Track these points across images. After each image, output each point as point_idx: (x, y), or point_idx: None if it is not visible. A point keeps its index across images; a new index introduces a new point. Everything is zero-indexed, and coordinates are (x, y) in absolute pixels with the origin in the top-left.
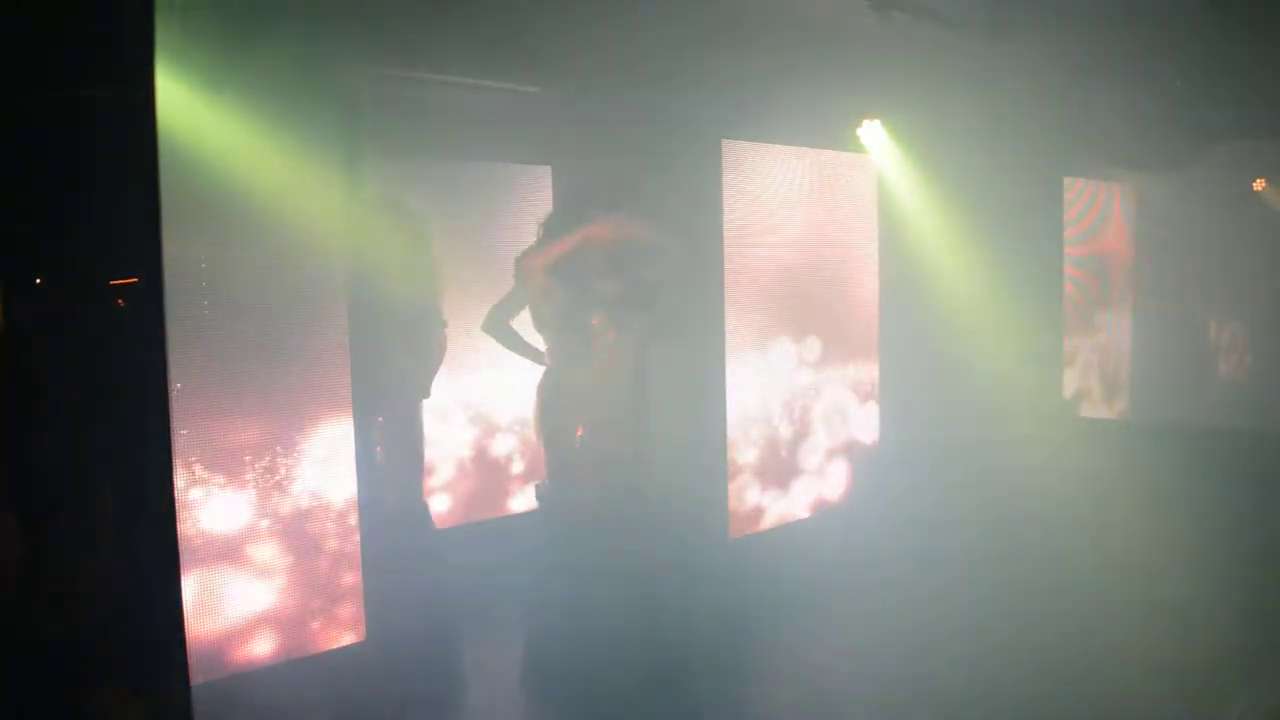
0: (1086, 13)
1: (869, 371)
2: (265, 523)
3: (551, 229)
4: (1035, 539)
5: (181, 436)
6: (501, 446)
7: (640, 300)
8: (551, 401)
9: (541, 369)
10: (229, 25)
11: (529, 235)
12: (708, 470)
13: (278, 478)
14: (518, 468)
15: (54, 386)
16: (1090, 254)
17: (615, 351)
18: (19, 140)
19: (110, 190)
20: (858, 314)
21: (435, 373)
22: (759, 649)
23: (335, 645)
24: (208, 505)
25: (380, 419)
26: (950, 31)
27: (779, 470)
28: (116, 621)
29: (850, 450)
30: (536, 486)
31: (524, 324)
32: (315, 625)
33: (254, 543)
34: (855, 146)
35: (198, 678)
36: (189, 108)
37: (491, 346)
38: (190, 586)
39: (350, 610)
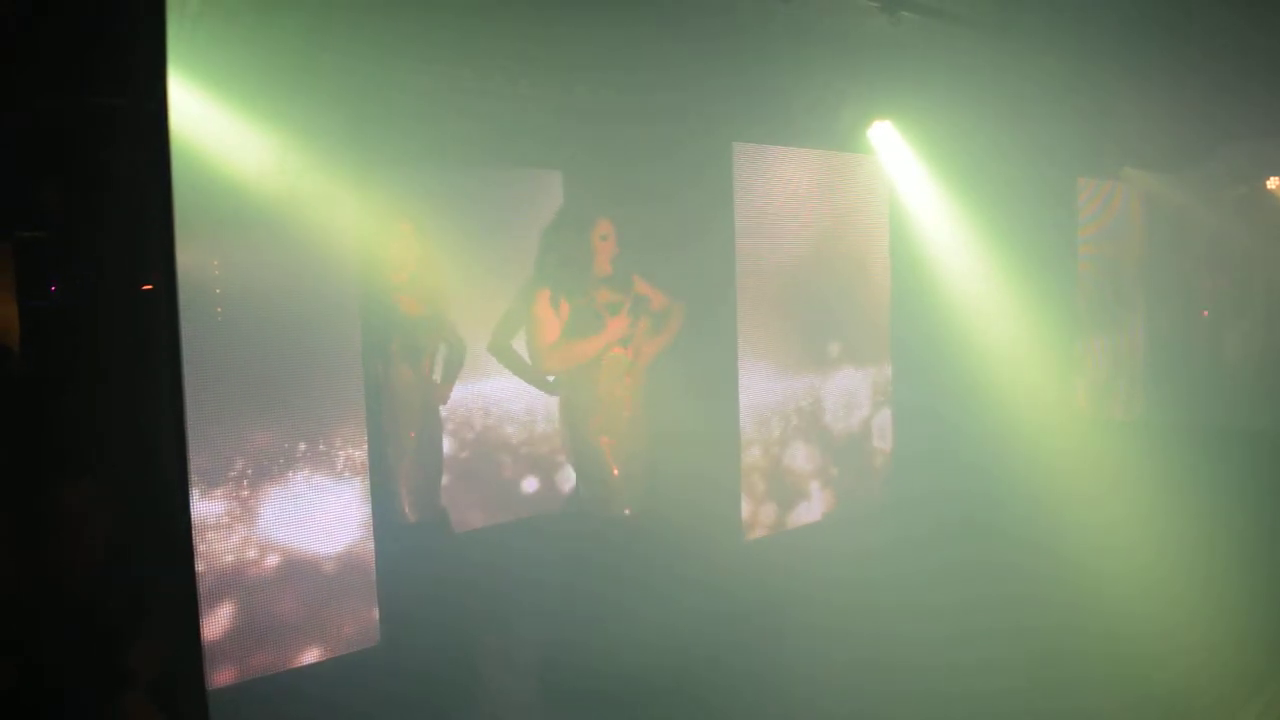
0: (1097, 11)
1: (882, 373)
2: (280, 527)
3: (558, 236)
4: (1048, 540)
5: (197, 442)
6: (518, 450)
7: (646, 309)
8: (574, 419)
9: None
10: (241, 34)
11: (536, 240)
12: (722, 473)
13: (293, 482)
14: (534, 471)
15: (69, 392)
16: (1103, 254)
17: (625, 362)
18: (34, 148)
19: (124, 197)
20: (870, 316)
21: (454, 379)
22: (771, 651)
23: (351, 650)
24: (223, 510)
25: (398, 426)
26: (960, 31)
27: (792, 473)
28: (132, 627)
29: (863, 452)
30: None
31: None
32: (330, 629)
33: (270, 547)
34: (866, 148)
35: (214, 683)
36: (202, 116)
37: None
38: (206, 591)
39: (366, 614)
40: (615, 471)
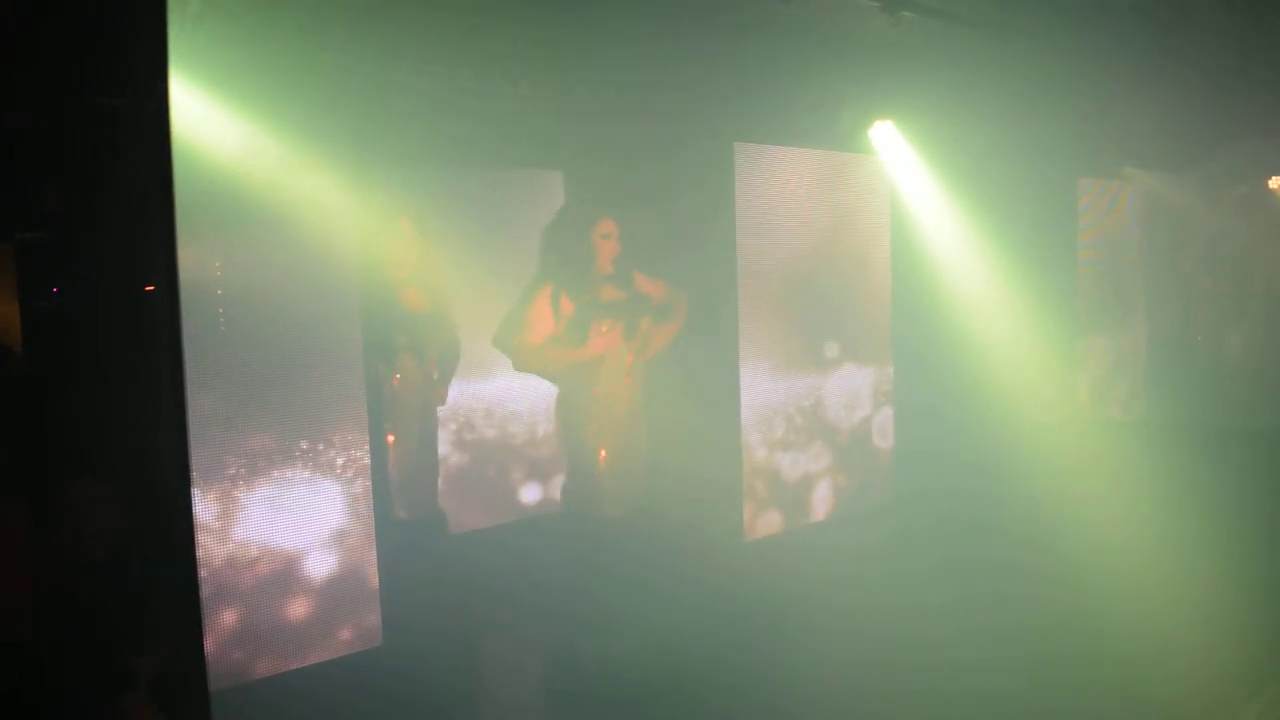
0: (1097, 12)
1: (883, 372)
2: (281, 527)
3: (558, 235)
4: (1049, 539)
5: (198, 442)
6: (517, 451)
7: (649, 306)
8: (569, 418)
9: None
10: (242, 34)
11: (537, 241)
12: (723, 473)
13: (293, 482)
14: (535, 472)
15: (70, 392)
16: (1104, 254)
17: (626, 357)
18: (35, 149)
19: (126, 198)
20: (871, 315)
21: (450, 379)
22: (772, 650)
23: (352, 651)
24: (224, 510)
25: (396, 426)
26: (961, 31)
27: (794, 472)
28: (133, 627)
29: (865, 451)
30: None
31: None
32: (332, 630)
33: (271, 548)
34: (867, 148)
35: (216, 684)
36: (203, 116)
37: None
38: (207, 592)
39: (366, 615)
40: (607, 473)
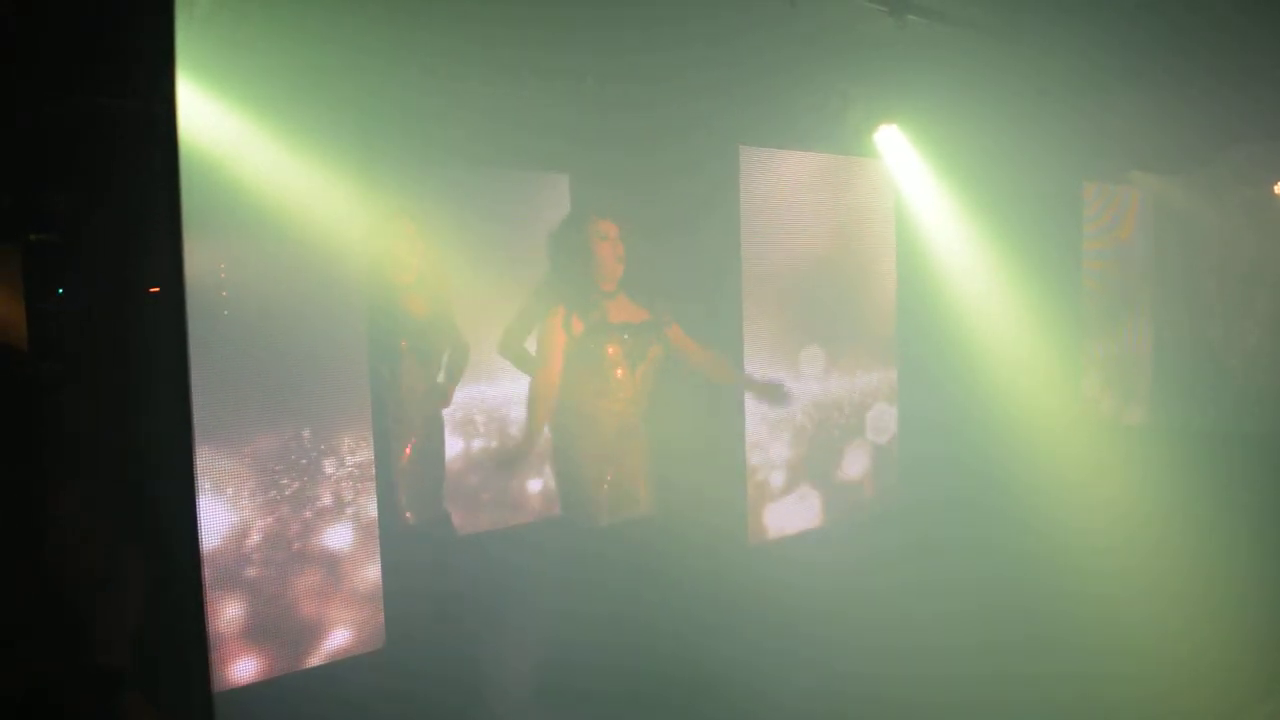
0: (1104, 14)
1: (888, 378)
2: (286, 530)
3: (558, 241)
4: (1053, 546)
5: (203, 444)
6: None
7: (659, 330)
8: (569, 422)
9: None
10: (249, 35)
11: (544, 244)
12: (726, 476)
13: (298, 485)
14: (537, 475)
15: (76, 395)
16: (1109, 258)
17: (631, 383)
18: (42, 151)
19: (132, 200)
20: (876, 320)
21: (456, 381)
22: (776, 656)
23: (356, 652)
24: (228, 512)
25: (401, 428)
26: (966, 34)
27: (798, 476)
28: (138, 629)
29: (869, 456)
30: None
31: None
32: (336, 632)
33: (275, 550)
34: (872, 152)
35: (219, 685)
36: (209, 117)
37: None
38: (212, 594)
39: (371, 617)
40: (608, 480)
